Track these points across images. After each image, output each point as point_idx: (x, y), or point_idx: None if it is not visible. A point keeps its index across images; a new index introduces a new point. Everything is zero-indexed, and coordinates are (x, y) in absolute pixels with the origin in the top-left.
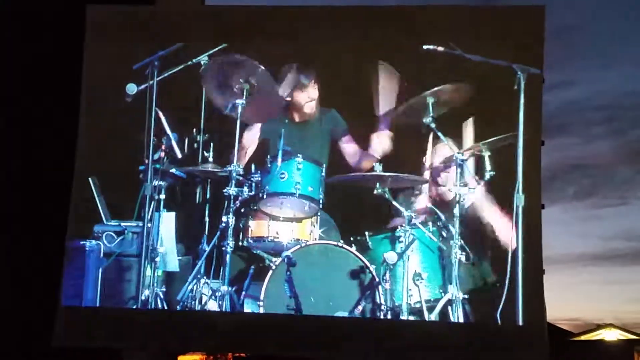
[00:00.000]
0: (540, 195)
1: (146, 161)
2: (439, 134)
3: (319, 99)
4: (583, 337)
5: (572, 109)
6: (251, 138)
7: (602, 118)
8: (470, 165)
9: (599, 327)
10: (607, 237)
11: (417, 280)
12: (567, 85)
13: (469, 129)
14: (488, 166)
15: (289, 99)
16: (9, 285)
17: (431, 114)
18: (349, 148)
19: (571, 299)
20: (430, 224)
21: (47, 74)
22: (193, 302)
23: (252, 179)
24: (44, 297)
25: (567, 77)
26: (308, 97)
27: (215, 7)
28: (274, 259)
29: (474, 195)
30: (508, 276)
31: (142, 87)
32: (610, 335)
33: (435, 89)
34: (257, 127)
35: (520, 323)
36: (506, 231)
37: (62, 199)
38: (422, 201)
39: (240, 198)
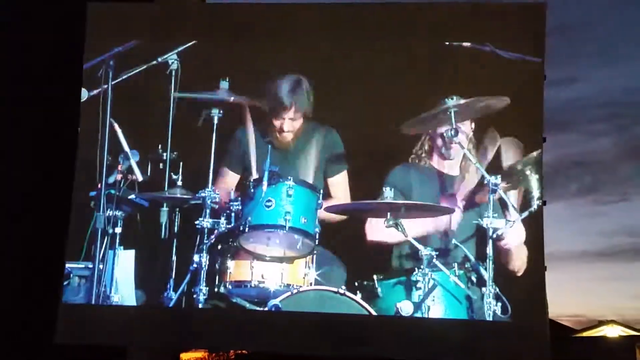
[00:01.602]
0: (542, 192)
1: (99, 185)
2: (466, 151)
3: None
4: (585, 334)
5: (574, 105)
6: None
7: (605, 115)
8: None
9: (600, 323)
10: (609, 233)
11: None
12: (570, 82)
13: (501, 146)
14: (536, 191)
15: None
16: (12, 283)
17: (453, 126)
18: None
19: (573, 296)
20: (455, 266)
21: (47, 73)
22: None
23: (231, 207)
24: (46, 295)
25: (569, 73)
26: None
27: (215, 4)
28: (258, 310)
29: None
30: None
31: (94, 92)
32: (612, 331)
33: (462, 102)
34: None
35: (523, 320)
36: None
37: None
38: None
39: (216, 232)
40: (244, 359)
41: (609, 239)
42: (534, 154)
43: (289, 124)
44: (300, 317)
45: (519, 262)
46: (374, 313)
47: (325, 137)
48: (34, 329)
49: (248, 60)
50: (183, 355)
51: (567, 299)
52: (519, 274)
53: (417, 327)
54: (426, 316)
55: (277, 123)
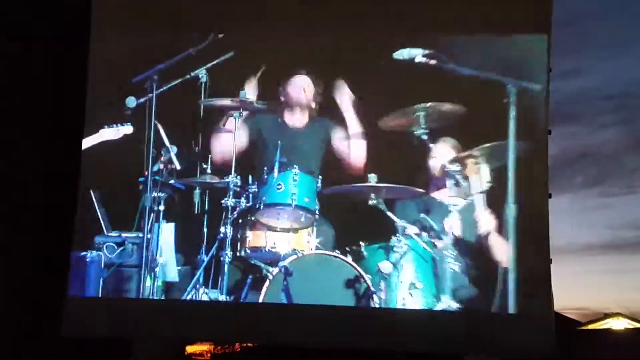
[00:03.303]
0: (547, 184)
1: (146, 173)
2: (431, 146)
3: (318, 106)
4: (590, 326)
5: (581, 97)
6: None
7: (612, 106)
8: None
9: (606, 316)
10: (615, 226)
11: (411, 289)
12: (576, 73)
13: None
14: (487, 177)
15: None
16: (19, 278)
17: (423, 126)
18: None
19: (578, 288)
20: (424, 234)
21: (50, 72)
22: None
23: (249, 190)
24: (53, 288)
25: (576, 65)
26: (306, 101)
27: None
28: (271, 269)
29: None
30: (516, 266)
31: (142, 100)
32: (618, 324)
33: (428, 104)
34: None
35: (528, 312)
36: (501, 244)
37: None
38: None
39: (238, 209)
40: (249, 352)
41: (614, 232)
42: (487, 145)
43: (301, 111)
44: (303, 309)
45: (499, 252)
46: (362, 272)
47: (328, 127)
48: (39, 322)
49: (265, 62)
50: (189, 348)
51: (573, 291)
52: (503, 265)
53: (422, 319)
54: (434, 308)
55: (292, 110)
